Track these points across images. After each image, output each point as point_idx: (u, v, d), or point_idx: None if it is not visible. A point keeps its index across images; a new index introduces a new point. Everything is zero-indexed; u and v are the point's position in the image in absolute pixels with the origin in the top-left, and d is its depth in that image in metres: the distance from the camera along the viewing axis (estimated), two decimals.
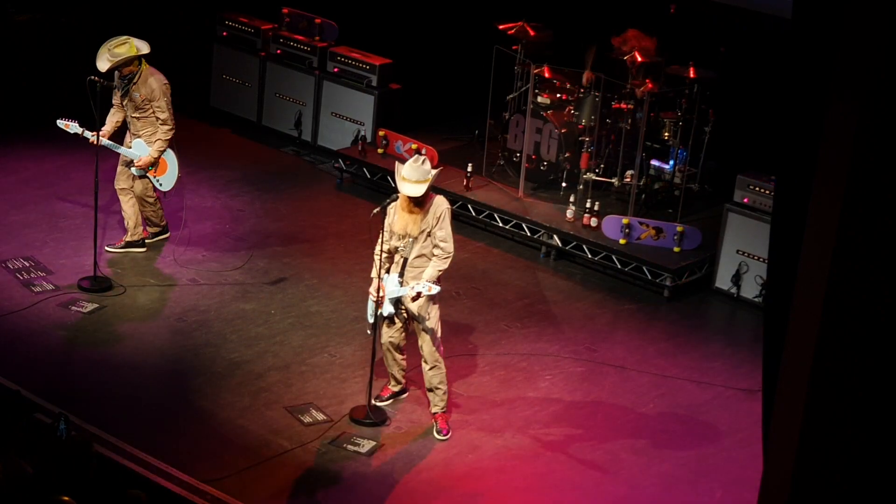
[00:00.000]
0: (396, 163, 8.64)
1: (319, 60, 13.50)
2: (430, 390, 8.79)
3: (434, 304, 8.63)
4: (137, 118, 10.50)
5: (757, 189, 10.95)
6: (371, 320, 8.74)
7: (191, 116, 14.09)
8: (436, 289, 8.37)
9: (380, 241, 8.56)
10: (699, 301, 11.15)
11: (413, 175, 8.37)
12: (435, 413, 8.83)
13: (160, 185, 10.69)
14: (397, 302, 8.61)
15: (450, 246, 8.51)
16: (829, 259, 4.31)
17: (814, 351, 4.43)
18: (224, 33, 14.09)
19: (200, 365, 9.38)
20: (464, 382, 9.46)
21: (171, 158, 10.63)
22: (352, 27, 13.81)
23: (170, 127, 10.50)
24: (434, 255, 8.51)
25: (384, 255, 8.60)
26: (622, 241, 11.27)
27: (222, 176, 12.71)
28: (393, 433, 8.79)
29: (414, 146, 12.45)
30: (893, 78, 4.14)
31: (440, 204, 8.53)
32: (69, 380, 9.08)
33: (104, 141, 10.51)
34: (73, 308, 9.92)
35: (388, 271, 8.63)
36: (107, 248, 10.77)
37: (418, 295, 8.43)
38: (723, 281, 11.15)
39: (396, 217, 8.52)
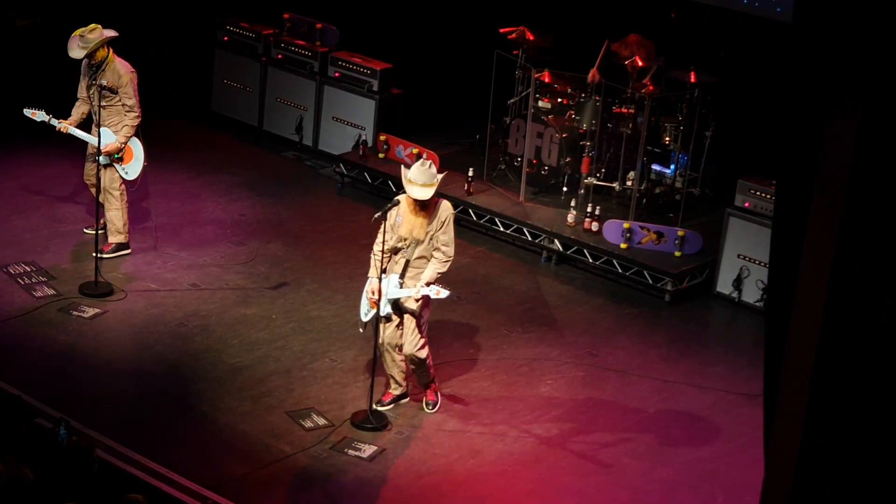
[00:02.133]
0: (402, 167, 8.69)
1: (320, 65, 13.51)
2: (418, 379, 9.04)
3: (426, 308, 8.73)
4: (104, 107, 10.43)
5: (758, 193, 10.95)
6: (365, 319, 8.76)
7: (192, 121, 14.13)
8: (444, 293, 8.44)
9: (381, 241, 8.58)
10: (700, 305, 11.15)
11: (420, 178, 8.43)
12: (425, 391, 9.08)
13: (126, 173, 10.61)
14: (396, 302, 8.64)
15: (451, 250, 8.59)
16: (831, 263, 4.31)
17: (815, 355, 4.43)
18: (225, 38, 14.10)
19: (201, 370, 9.38)
20: (465, 387, 9.46)
21: (136, 146, 10.58)
22: (353, 32, 13.83)
23: (136, 114, 10.46)
24: (434, 257, 8.56)
25: (382, 254, 8.64)
26: (623, 246, 11.27)
27: (223, 181, 12.72)
28: (394, 438, 8.79)
29: (415, 151, 12.46)
30: (895, 81, 4.13)
31: (446, 209, 8.62)
32: (70, 385, 9.08)
33: (71, 129, 10.56)
34: (74, 313, 9.92)
35: (384, 271, 8.66)
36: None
37: (423, 297, 8.50)
38: (724, 285, 11.15)
39: (402, 219, 8.56)
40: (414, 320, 8.69)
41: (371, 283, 8.66)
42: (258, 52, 13.90)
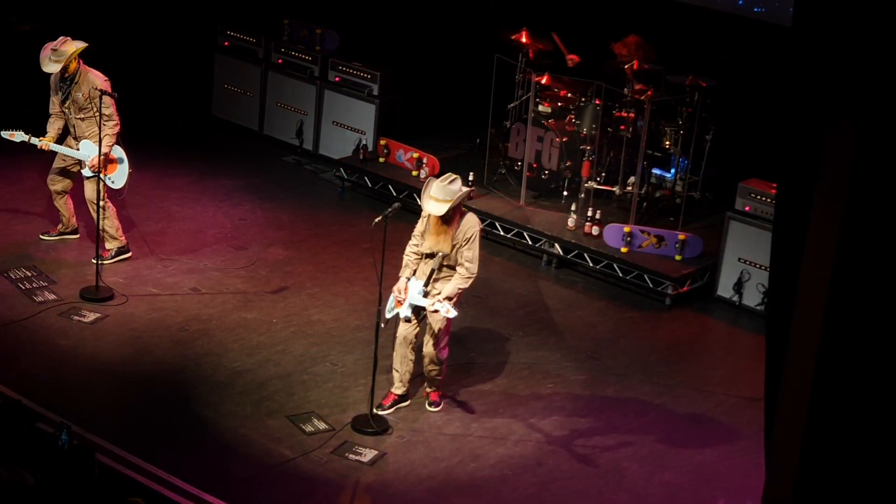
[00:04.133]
0: (429, 178, 8.73)
1: (321, 70, 13.52)
2: (429, 379, 9.12)
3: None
4: (82, 119, 10.37)
5: (758, 197, 10.95)
6: (388, 316, 8.82)
7: (192, 125, 14.14)
8: (453, 312, 8.51)
9: (413, 243, 8.77)
10: (701, 309, 11.14)
11: (438, 194, 8.48)
12: (429, 392, 9.17)
13: (112, 182, 10.51)
14: (417, 307, 8.70)
15: (475, 267, 8.66)
16: (831, 266, 4.31)
17: (815, 358, 4.43)
18: (226, 43, 14.11)
19: (202, 374, 9.38)
20: (465, 391, 9.46)
21: (120, 155, 10.50)
22: (353, 36, 13.84)
23: (115, 122, 10.35)
24: (458, 272, 8.62)
25: (414, 256, 8.79)
26: (624, 250, 11.27)
27: (224, 185, 12.72)
28: (395, 442, 8.78)
29: (415, 155, 12.47)
30: (894, 84, 4.14)
31: (472, 225, 8.67)
32: (71, 389, 9.08)
33: (52, 145, 10.51)
34: (75, 318, 9.92)
35: (414, 272, 8.77)
36: (41, 237, 11.04)
37: (436, 310, 8.59)
38: (724, 289, 11.15)
39: (429, 232, 8.63)
40: (435, 338, 8.81)
41: (399, 283, 8.75)
42: (258, 56, 13.91)
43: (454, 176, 8.62)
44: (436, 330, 8.79)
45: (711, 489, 8.57)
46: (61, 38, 10.36)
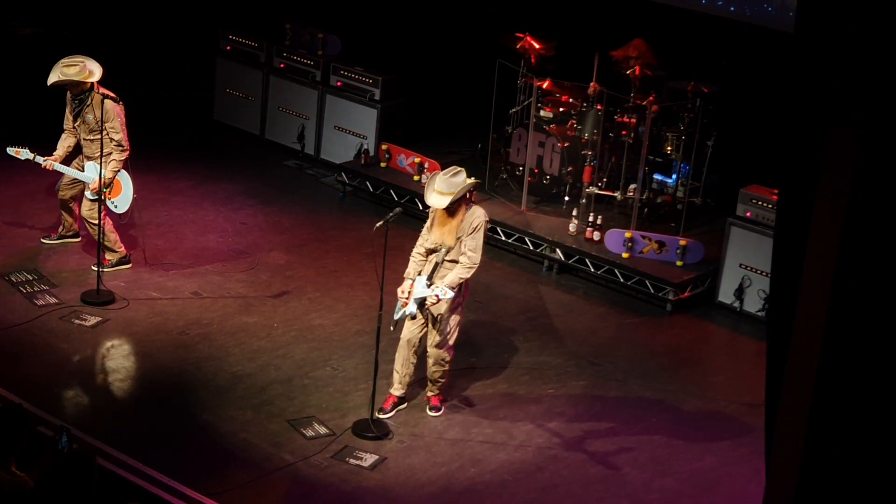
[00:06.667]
0: (435, 172, 8.82)
1: (322, 74, 13.53)
2: (432, 381, 9.09)
3: (455, 311, 8.83)
4: (91, 140, 10.29)
5: (759, 203, 10.95)
6: (396, 317, 8.84)
7: (194, 130, 14.15)
8: (450, 293, 8.54)
9: (419, 243, 8.82)
10: (702, 315, 11.14)
11: (441, 186, 8.55)
12: (430, 396, 9.15)
13: (115, 207, 10.50)
14: (422, 303, 8.71)
15: (477, 257, 8.70)
16: (832, 272, 4.31)
17: (817, 365, 4.43)
18: (228, 47, 14.12)
19: (203, 378, 9.37)
20: (466, 396, 9.46)
21: (125, 180, 10.46)
22: (354, 41, 13.85)
23: (124, 148, 10.32)
24: (460, 262, 8.68)
25: (419, 257, 8.84)
26: (625, 255, 11.27)
27: (225, 189, 12.72)
28: (395, 447, 8.78)
29: (417, 160, 12.47)
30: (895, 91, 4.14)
31: (478, 215, 8.75)
32: (71, 393, 9.08)
33: (57, 165, 10.47)
34: (76, 321, 9.92)
35: (420, 273, 8.80)
36: (42, 240, 11.03)
37: (437, 298, 8.60)
38: (725, 295, 11.14)
39: (435, 224, 8.72)
40: (445, 322, 8.81)
41: (404, 284, 8.79)
42: (260, 60, 13.92)
43: (458, 169, 8.68)
44: (436, 315, 8.76)
45: (712, 495, 8.56)
46: (79, 57, 10.22)
